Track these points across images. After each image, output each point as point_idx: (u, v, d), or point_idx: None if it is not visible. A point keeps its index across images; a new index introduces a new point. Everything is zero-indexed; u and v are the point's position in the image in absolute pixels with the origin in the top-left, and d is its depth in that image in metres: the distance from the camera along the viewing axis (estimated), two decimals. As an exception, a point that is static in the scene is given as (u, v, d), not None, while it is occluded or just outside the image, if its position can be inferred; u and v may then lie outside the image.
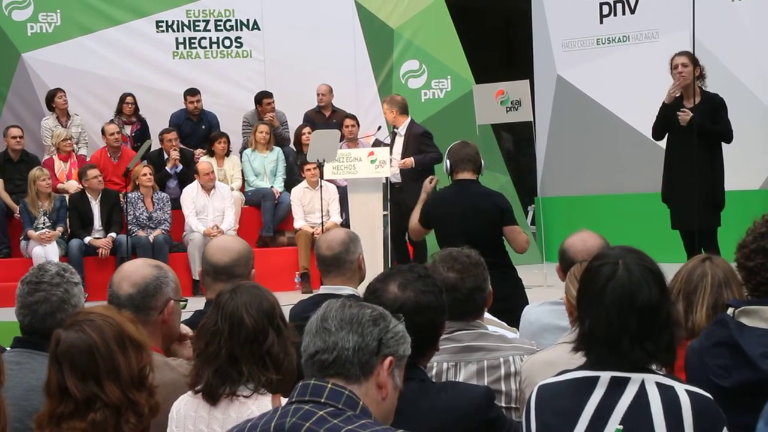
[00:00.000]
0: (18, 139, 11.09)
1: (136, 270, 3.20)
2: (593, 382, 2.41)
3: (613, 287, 2.41)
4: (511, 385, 3.17)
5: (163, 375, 2.84)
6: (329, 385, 2.15)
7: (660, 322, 2.39)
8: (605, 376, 2.40)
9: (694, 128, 7.68)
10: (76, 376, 2.25)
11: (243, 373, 2.78)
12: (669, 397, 2.36)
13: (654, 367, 2.43)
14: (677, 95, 7.97)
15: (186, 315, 3.43)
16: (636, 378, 2.38)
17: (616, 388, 2.38)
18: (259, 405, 2.77)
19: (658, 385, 2.38)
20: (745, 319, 2.89)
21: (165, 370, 2.94)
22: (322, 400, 2.13)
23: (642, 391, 2.37)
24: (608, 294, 2.41)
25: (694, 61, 7.93)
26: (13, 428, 2.31)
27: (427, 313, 2.68)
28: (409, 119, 10.04)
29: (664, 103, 8.05)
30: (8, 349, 3.20)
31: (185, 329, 3.30)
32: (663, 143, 8.35)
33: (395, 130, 10.04)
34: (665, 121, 8.07)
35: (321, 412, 2.11)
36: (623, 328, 2.39)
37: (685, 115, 7.76)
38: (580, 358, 2.49)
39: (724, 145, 8.08)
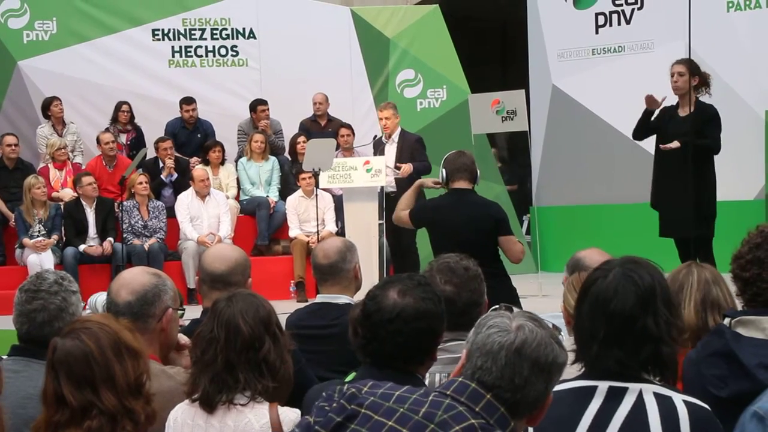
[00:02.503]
0: (13, 147, 11.08)
1: (135, 278, 3.20)
2: (591, 391, 2.41)
3: (591, 294, 2.44)
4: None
5: (161, 383, 2.84)
6: (488, 397, 2.10)
7: (634, 334, 2.38)
8: (603, 386, 2.41)
9: (688, 145, 7.70)
10: (72, 383, 2.25)
11: (239, 381, 2.78)
12: (666, 407, 2.36)
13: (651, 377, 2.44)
14: (657, 108, 8.02)
15: (182, 323, 3.43)
16: (634, 388, 2.39)
17: (614, 398, 2.39)
18: (256, 413, 2.77)
19: (656, 395, 2.38)
20: (742, 329, 2.89)
21: (162, 378, 2.94)
22: (477, 409, 2.08)
23: (639, 402, 2.37)
24: (587, 300, 2.45)
25: (692, 69, 7.93)
26: (8, 436, 2.31)
27: (426, 320, 2.68)
28: (400, 127, 10.09)
29: (646, 110, 8.09)
30: (5, 357, 3.19)
31: (184, 339, 3.30)
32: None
33: (390, 137, 10.02)
34: (648, 127, 8.12)
35: (472, 420, 2.07)
36: (592, 334, 2.41)
37: (672, 146, 7.79)
38: (577, 368, 2.49)
39: (718, 155, 8.09)
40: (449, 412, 2.08)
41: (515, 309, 2.28)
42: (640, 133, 8.28)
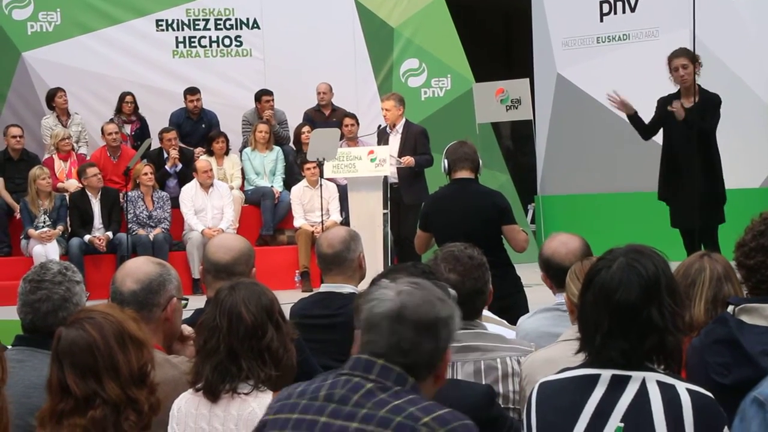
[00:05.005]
0: (18, 139, 11.09)
1: (140, 267, 3.21)
2: (594, 379, 2.41)
3: (595, 284, 2.44)
4: (508, 387, 3.17)
5: (165, 372, 2.84)
6: (380, 362, 2.17)
7: (639, 324, 2.38)
8: (606, 374, 2.41)
9: (694, 126, 7.66)
10: (76, 373, 2.25)
11: (243, 369, 2.79)
12: (670, 395, 2.36)
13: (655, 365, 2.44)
14: (632, 111, 8.01)
15: (186, 314, 3.44)
16: (637, 376, 2.39)
17: (617, 386, 2.38)
18: (259, 402, 2.77)
19: (659, 383, 2.38)
20: (746, 316, 2.89)
21: (166, 367, 2.95)
22: (372, 377, 2.16)
23: (643, 390, 2.37)
24: (591, 290, 2.44)
25: (693, 59, 7.89)
26: (14, 425, 2.32)
27: None
28: (404, 117, 10.08)
29: (628, 116, 8.08)
30: (9, 347, 3.20)
31: (187, 329, 3.30)
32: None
33: (394, 127, 10.01)
34: (649, 125, 8.09)
35: (369, 385, 2.14)
36: (596, 325, 2.41)
37: (679, 110, 7.73)
38: (580, 356, 2.50)
39: (724, 143, 8.07)
40: (346, 386, 2.17)
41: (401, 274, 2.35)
42: (645, 133, 8.24)
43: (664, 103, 8.03)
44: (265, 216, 11.31)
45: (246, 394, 2.78)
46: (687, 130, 7.70)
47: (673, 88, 8.07)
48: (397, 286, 2.21)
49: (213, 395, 2.80)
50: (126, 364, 2.26)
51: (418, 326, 2.17)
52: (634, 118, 8.10)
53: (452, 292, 2.30)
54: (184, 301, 3.27)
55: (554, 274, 3.75)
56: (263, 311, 2.83)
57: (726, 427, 2.38)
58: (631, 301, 2.38)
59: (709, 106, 7.88)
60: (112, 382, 2.24)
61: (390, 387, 2.14)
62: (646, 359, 2.41)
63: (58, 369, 2.26)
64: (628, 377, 2.39)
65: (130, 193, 10.63)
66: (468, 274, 3.29)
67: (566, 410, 2.41)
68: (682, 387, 2.38)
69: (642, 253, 2.46)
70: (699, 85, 7.90)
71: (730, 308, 2.94)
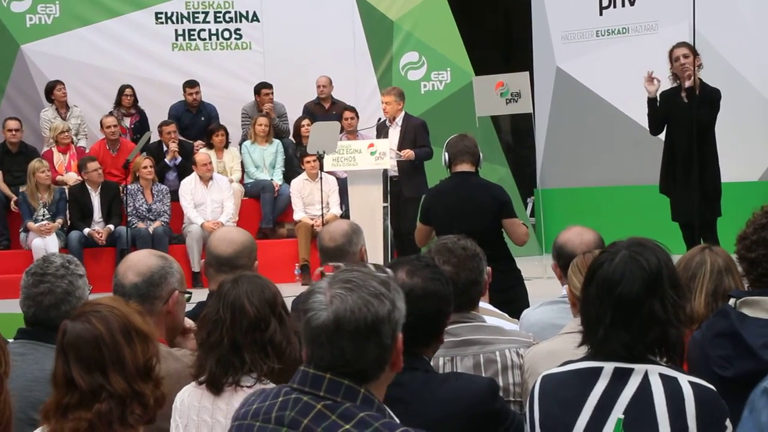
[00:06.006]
0: (13, 132, 11.05)
1: (141, 260, 3.22)
2: (597, 372, 2.42)
3: (598, 277, 2.44)
4: (508, 379, 3.17)
5: (168, 365, 2.84)
6: (327, 377, 2.07)
7: (641, 317, 2.38)
8: (609, 367, 2.41)
9: (693, 121, 7.66)
10: (81, 366, 2.25)
11: (246, 362, 2.79)
12: (672, 388, 2.37)
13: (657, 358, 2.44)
14: (657, 93, 7.99)
15: (189, 307, 3.44)
16: (639, 369, 2.40)
17: (620, 378, 2.39)
18: (262, 396, 2.78)
19: (662, 376, 2.38)
20: (747, 309, 2.89)
21: (169, 360, 2.95)
22: (321, 393, 2.07)
23: (645, 382, 2.38)
24: (593, 283, 2.45)
25: (694, 51, 7.91)
26: (16, 419, 2.32)
27: (434, 300, 2.68)
28: (404, 111, 10.07)
29: (648, 98, 8.07)
30: (12, 340, 3.20)
31: (189, 323, 3.31)
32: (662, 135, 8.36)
33: (394, 120, 10.01)
34: (659, 115, 8.09)
35: (319, 406, 2.06)
36: (599, 318, 2.41)
37: (690, 80, 7.70)
38: (583, 348, 2.50)
39: (723, 136, 8.08)
40: (295, 408, 2.07)
41: (335, 271, 2.21)
42: (655, 125, 8.22)
43: (666, 96, 8.04)
44: (265, 209, 11.31)
45: (249, 387, 2.78)
46: (688, 116, 7.70)
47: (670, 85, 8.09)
48: (330, 290, 2.07)
49: (216, 388, 2.81)
50: (132, 358, 2.26)
51: (356, 335, 2.04)
52: (652, 102, 8.07)
53: (389, 272, 2.19)
54: (187, 295, 3.28)
55: (564, 263, 3.73)
56: (266, 304, 2.84)
57: (728, 420, 2.39)
58: (633, 294, 2.39)
59: (709, 98, 7.90)
60: (118, 375, 2.24)
61: (340, 404, 2.04)
62: (648, 352, 2.42)
63: (64, 362, 2.27)
64: (631, 370, 2.40)
65: (129, 186, 10.63)
66: (462, 265, 3.28)
67: (569, 403, 2.42)
68: (684, 380, 2.39)
69: (644, 246, 2.47)
70: (700, 79, 7.91)
71: (731, 301, 2.95)
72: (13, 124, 11.13)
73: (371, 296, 2.07)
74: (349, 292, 2.07)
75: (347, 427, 2.02)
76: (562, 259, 3.83)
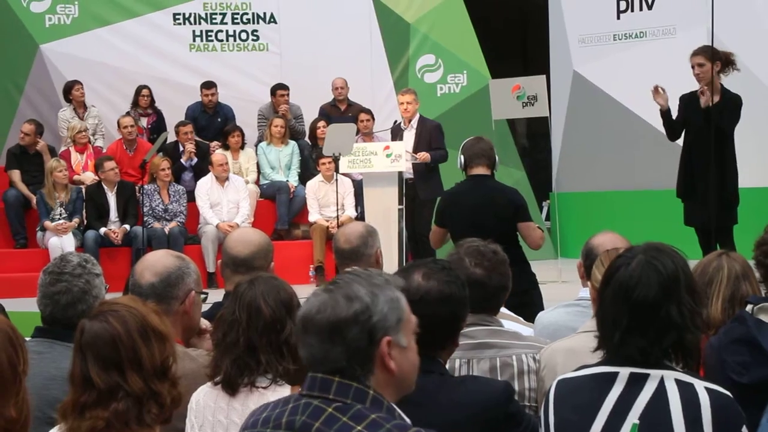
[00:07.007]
0: (23, 136, 10.96)
1: (159, 260, 3.23)
2: (612, 377, 2.41)
3: (615, 281, 2.43)
4: (524, 384, 3.16)
5: (184, 365, 2.84)
6: (336, 380, 2.08)
7: (658, 322, 2.38)
8: (624, 372, 2.41)
9: (712, 128, 7.63)
10: (99, 365, 2.26)
11: (261, 363, 2.80)
12: (688, 394, 2.36)
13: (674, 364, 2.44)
14: (666, 104, 7.98)
15: (205, 307, 3.45)
16: (655, 374, 2.39)
17: (635, 384, 2.38)
18: (277, 396, 2.78)
19: (678, 382, 2.37)
20: (764, 315, 2.89)
21: (185, 360, 2.96)
22: (330, 396, 2.07)
23: (661, 388, 2.37)
24: (610, 288, 2.44)
25: (712, 57, 7.84)
26: (33, 417, 2.33)
27: (450, 304, 2.68)
28: (419, 113, 10.07)
29: (661, 111, 8.05)
30: (29, 338, 3.22)
31: (205, 323, 3.32)
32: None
33: (409, 123, 10.01)
34: (676, 123, 8.07)
35: (329, 409, 2.06)
36: (615, 322, 2.41)
37: (706, 98, 7.70)
38: (599, 351, 2.50)
39: (739, 141, 8.05)
40: (306, 412, 2.08)
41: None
42: (672, 132, 8.21)
43: (686, 100, 8.02)
44: (280, 210, 11.32)
45: (264, 388, 2.79)
46: (706, 124, 7.66)
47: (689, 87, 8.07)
48: (316, 291, 2.11)
49: (231, 389, 2.82)
50: (149, 357, 2.27)
51: (318, 334, 2.06)
52: (666, 114, 8.07)
53: (394, 278, 2.19)
54: (203, 295, 3.29)
55: (590, 264, 3.73)
56: (282, 305, 2.84)
57: (744, 427, 2.38)
58: (650, 299, 2.38)
59: (729, 106, 7.85)
60: (135, 374, 2.25)
61: (351, 406, 2.04)
62: (664, 357, 2.41)
63: (81, 361, 2.27)
64: (647, 375, 2.39)
65: (146, 187, 10.66)
66: (494, 269, 3.27)
67: (584, 408, 2.41)
68: (700, 386, 2.38)
69: (661, 250, 2.46)
70: (721, 85, 7.87)
71: (748, 307, 2.94)
72: (26, 127, 11.00)
73: (344, 297, 2.07)
74: (326, 292, 2.10)
75: (359, 428, 2.02)
76: (589, 260, 3.82)
